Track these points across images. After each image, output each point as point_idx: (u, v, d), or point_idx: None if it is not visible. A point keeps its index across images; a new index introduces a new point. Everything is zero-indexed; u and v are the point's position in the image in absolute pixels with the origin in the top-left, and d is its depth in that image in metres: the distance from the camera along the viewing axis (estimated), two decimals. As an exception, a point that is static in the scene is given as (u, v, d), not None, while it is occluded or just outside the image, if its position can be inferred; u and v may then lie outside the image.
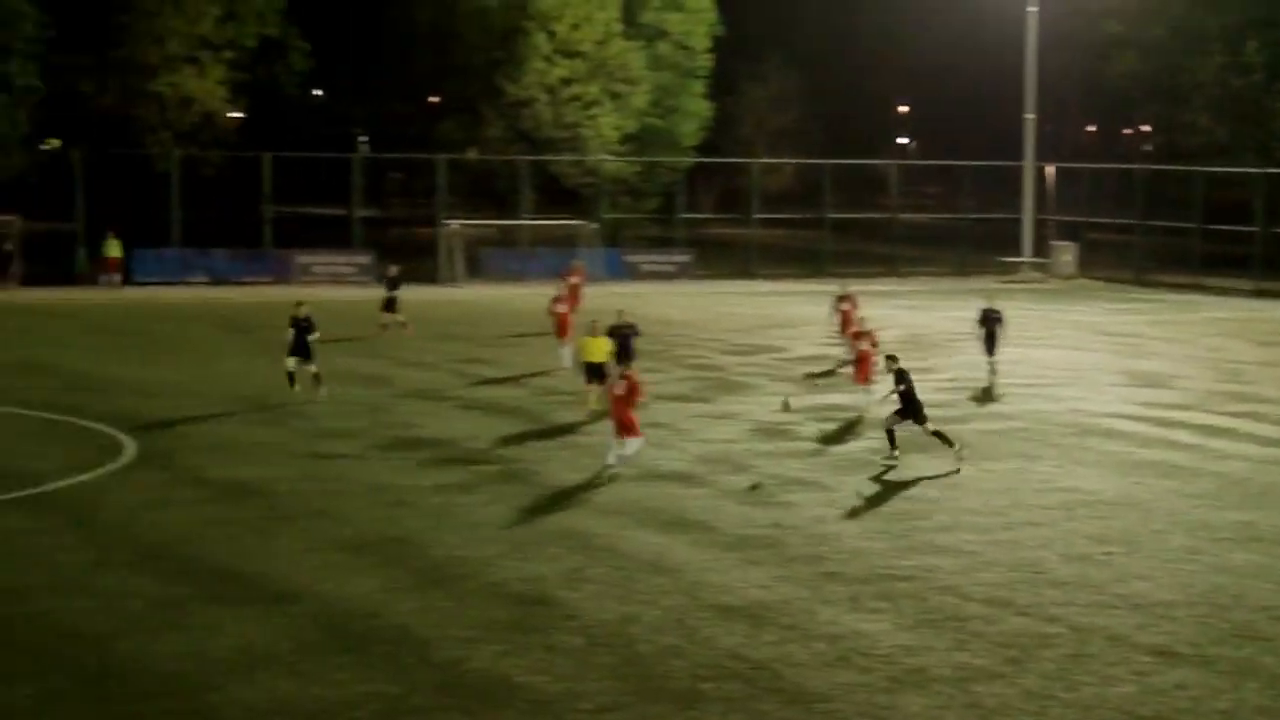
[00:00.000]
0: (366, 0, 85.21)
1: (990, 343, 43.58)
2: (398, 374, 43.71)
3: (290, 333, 38.79)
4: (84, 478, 29.44)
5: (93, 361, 45.12)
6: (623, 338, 38.29)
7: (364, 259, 75.06)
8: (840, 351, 45.62)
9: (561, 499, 28.63)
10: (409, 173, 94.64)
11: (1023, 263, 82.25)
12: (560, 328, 45.26)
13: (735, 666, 19.54)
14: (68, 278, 70.60)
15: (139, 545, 24.70)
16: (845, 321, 46.54)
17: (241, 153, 77.77)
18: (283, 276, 70.91)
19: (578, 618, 21.34)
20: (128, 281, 69.84)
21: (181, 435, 34.04)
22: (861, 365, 37.94)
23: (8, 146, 72.96)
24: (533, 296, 60.73)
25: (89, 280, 69.79)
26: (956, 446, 32.28)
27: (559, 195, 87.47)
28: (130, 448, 32.27)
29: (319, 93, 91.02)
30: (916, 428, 32.40)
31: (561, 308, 45.69)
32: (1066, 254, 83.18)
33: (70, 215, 73.48)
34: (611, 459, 31.17)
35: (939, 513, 28.16)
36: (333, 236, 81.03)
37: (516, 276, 73.12)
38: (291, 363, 38.58)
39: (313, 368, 38.64)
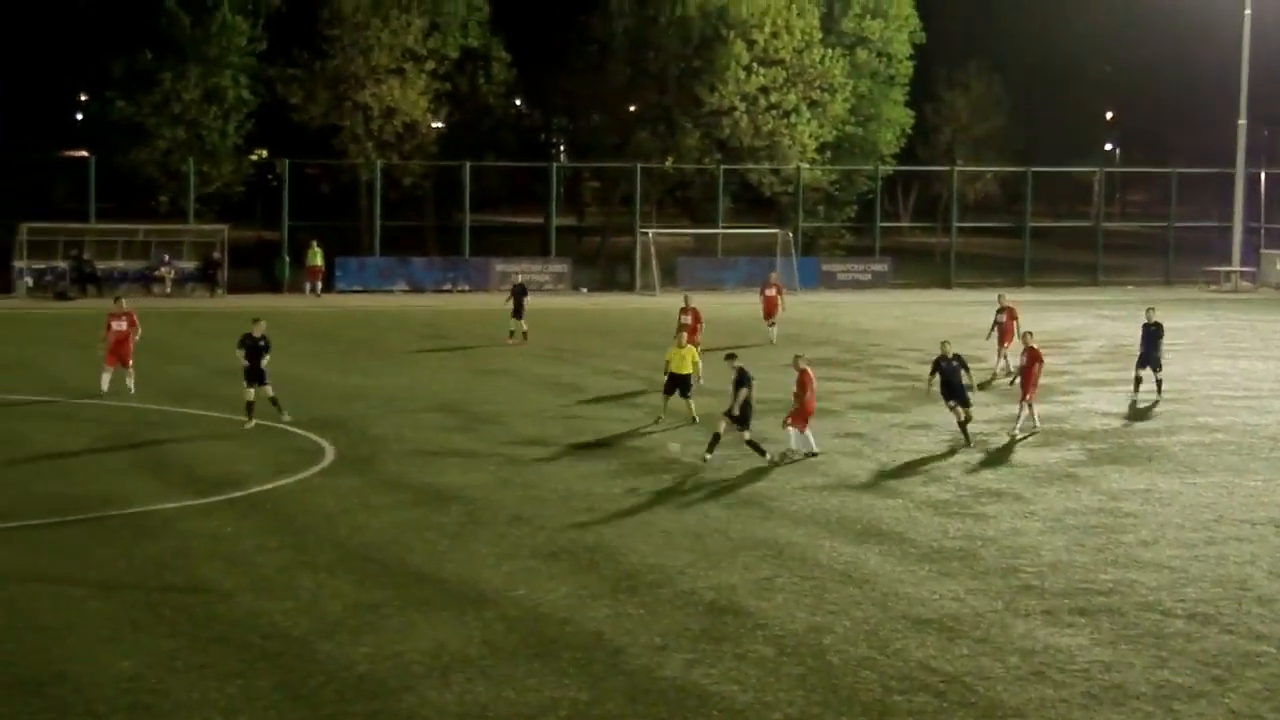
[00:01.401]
0: (566, 10, 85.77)
1: (1146, 359, 42.01)
2: (591, 381, 43.95)
3: (241, 354, 35.63)
4: (285, 481, 29.98)
5: (295, 367, 45.89)
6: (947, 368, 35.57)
7: (561, 267, 75.64)
8: (1002, 364, 45.19)
9: (753, 507, 28.57)
10: (605, 182, 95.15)
11: (1232, 272, 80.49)
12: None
13: (927, 679, 19.34)
14: (271, 285, 72.08)
15: (338, 548, 25.09)
16: (1005, 333, 45.81)
17: (442, 162, 78.74)
18: (481, 285, 71.68)
19: (768, 627, 21.28)
20: (329, 289, 71.10)
21: (380, 440, 34.52)
22: (1026, 377, 36.68)
23: (218, 157, 74.61)
24: (728, 305, 60.82)
25: (292, 288, 71.17)
26: (768, 457, 32.42)
27: (755, 204, 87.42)
28: (330, 452, 32.81)
29: (518, 102, 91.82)
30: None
31: (685, 318, 44.90)
32: (1278, 263, 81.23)
33: (275, 224, 74.98)
34: (794, 444, 32.68)
35: (1140, 527, 27.65)
36: (530, 244, 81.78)
37: (713, 285, 73.18)
38: (251, 393, 35.32)
39: (269, 390, 35.73)
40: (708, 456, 32.21)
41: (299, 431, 35.03)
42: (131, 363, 39.50)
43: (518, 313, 52.75)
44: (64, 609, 21.23)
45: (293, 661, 19.37)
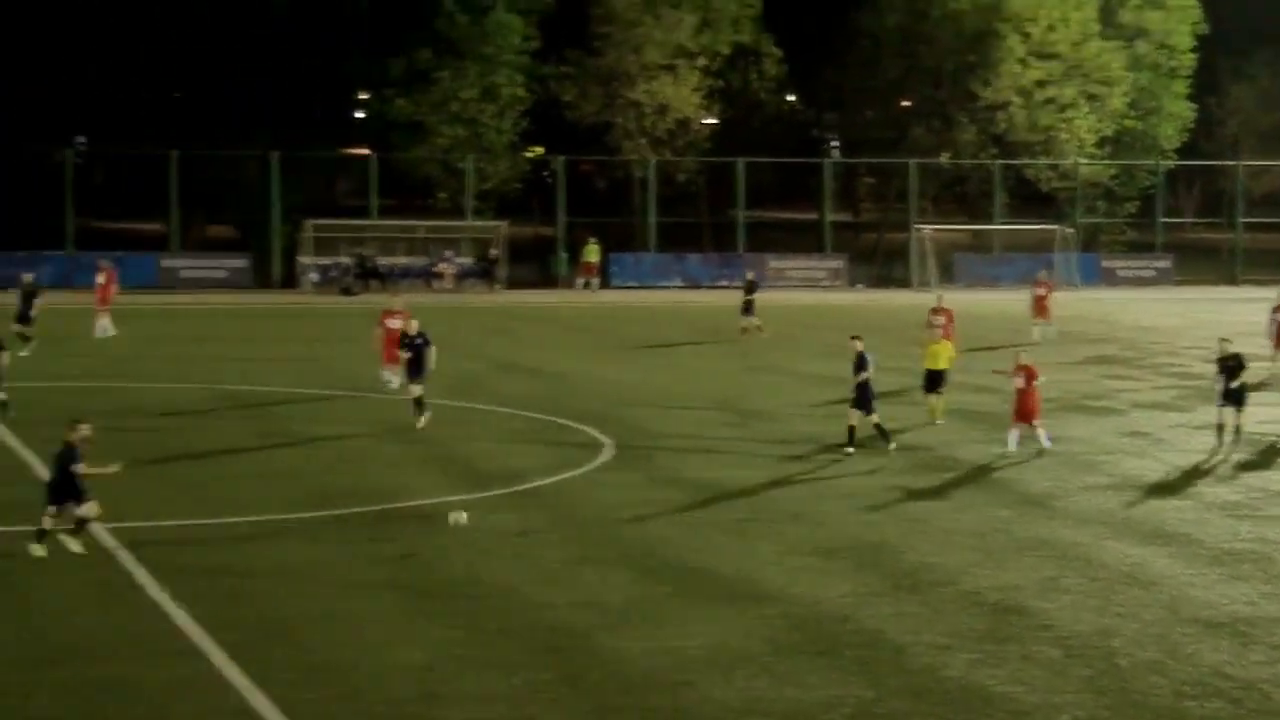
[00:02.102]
0: (836, 6, 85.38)
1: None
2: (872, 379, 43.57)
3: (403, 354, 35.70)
4: (565, 475, 30.27)
5: (572, 362, 46.45)
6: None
7: (836, 264, 75.32)
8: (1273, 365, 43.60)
9: (1035, 507, 28.09)
10: (880, 177, 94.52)
11: None
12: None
13: (1220, 685, 18.78)
14: (548, 281, 72.98)
15: (618, 542, 25.25)
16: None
17: (714, 158, 78.94)
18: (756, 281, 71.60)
19: (1054, 628, 20.86)
20: (605, 285, 71.74)
21: (657, 436, 34.69)
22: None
23: (495, 154, 75.77)
24: (1005, 302, 59.96)
25: (568, 284, 71.97)
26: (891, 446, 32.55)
27: (1032, 200, 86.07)
28: (609, 447, 33.05)
29: (790, 98, 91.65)
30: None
31: (938, 319, 43.49)
32: None
33: (551, 220, 75.90)
34: (1011, 446, 32.26)
35: None
36: (805, 241, 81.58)
37: (989, 282, 72.21)
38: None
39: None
40: (849, 450, 32.31)
41: (577, 426, 35.34)
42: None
43: (748, 309, 52.67)
44: (356, 599, 21.68)
45: (575, 654, 19.51)
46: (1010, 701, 18.06)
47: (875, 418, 32.68)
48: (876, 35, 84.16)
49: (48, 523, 23.28)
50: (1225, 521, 27.16)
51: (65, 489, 23.20)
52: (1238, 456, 32.97)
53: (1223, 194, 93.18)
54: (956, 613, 21.55)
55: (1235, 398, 33.96)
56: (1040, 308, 52.88)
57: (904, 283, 74.49)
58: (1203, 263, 79.66)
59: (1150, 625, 21.06)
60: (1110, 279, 75.72)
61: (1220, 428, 33.93)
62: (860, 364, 32.63)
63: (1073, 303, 61.17)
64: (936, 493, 29.21)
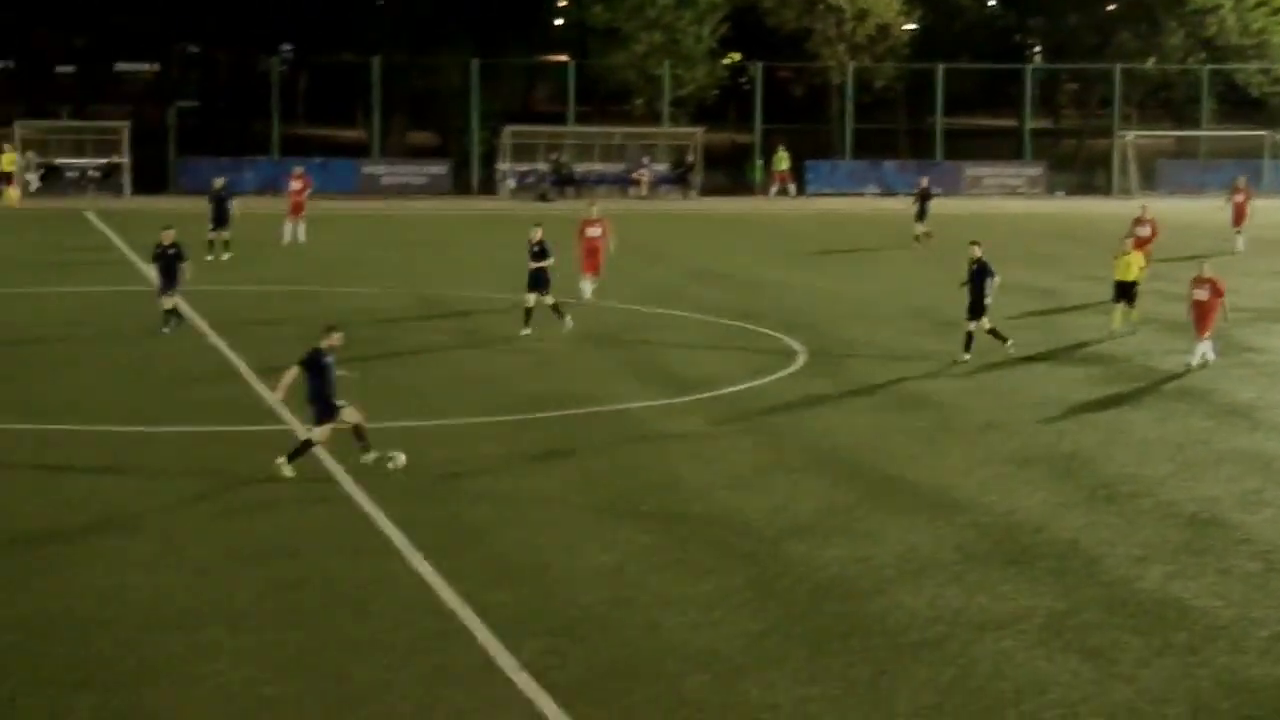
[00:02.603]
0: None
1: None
2: (1067, 287, 43.02)
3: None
4: (758, 382, 30.27)
5: (765, 270, 46.32)
6: None
7: (1035, 171, 74.18)
8: None
9: (1236, 418, 27.56)
10: (1083, 84, 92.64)
11: None
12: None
13: None
14: (743, 188, 72.77)
15: (810, 450, 25.23)
16: None
17: (914, 64, 77.96)
18: (953, 189, 70.81)
19: (1253, 542, 20.50)
20: (800, 193, 71.39)
21: (851, 343, 34.54)
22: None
23: (692, 61, 75.50)
24: (1209, 210, 58.62)
25: (763, 191, 71.73)
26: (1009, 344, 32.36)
27: (1241, 105, 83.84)
28: (802, 354, 32.97)
29: (992, 2, 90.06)
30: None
31: (1143, 230, 41.98)
32: None
33: (747, 128, 75.57)
34: (1196, 360, 31.26)
35: None
36: (1003, 148, 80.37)
37: (1194, 190, 70.61)
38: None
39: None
40: (965, 357, 32.17)
41: (770, 333, 35.30)
42: (600, 272, 39.74)
43: (921, 216, 52.04)
44: (549, 503, 21.93)
45: (765, 560, 19.58)
46: (1206, 615, 17.81)
47: (986, 323, 32.25)
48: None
49: (315, 434, 22.79)
50: None
51: (320, 397, 22.65)
52: None
53: None
54: (1152, 524, 21.27)
55: None
56: (1240, 214, 51.58)
57: (1104, 190, 73.11)
58: None
59: (1357, 540, 20.61)
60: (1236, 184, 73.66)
61: None
62: (982, 272, 32.00)
63: (1276, 211, 59.58)
64: (1133, 402, 28.78)
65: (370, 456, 22.75)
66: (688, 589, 18.46)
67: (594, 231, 39.04)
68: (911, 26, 79.50)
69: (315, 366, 22.66)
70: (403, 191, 69.21)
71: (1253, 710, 15.37)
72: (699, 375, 30.77)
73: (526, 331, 34.21)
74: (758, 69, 75.24)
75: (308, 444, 22.86)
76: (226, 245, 45.90)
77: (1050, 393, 29.52)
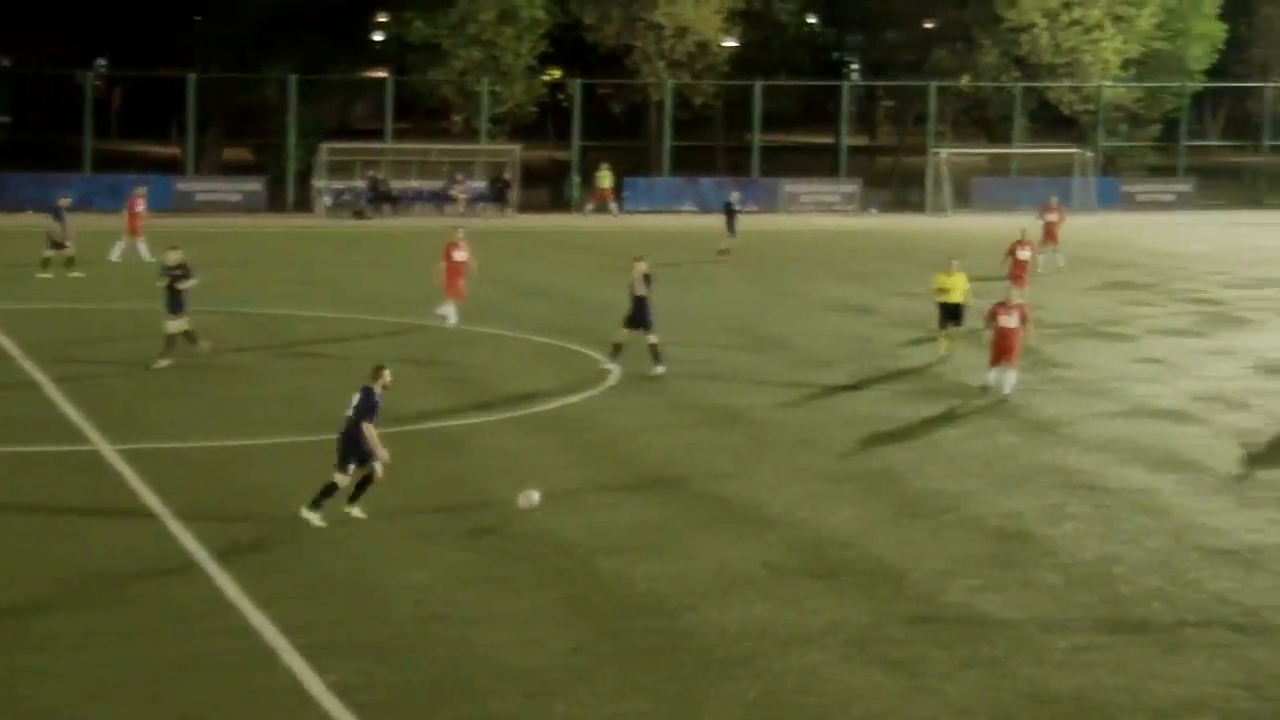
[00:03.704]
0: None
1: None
2: (881, 304, 43.52)
3: (162, 283, 32.98)
4: (575, 399, 30.29)
5: (582, 287, 46.31)
6: None
7: (851, 188, 75.03)
8: None
9: (1044, 433, 28.06)
10: (900, 101, 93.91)
11: None
12: (1016, 272, 40.80)
13: (1224, 611, 18.83)
14: (561, 205, 72.80)
15: (625, 466, 25.29)
16: None
17: (733, 81, 78.51)
18: (770, 205, 71.43)
19: (1056, 555, 20.90)
20: (619, 210, 71.56)
21: (669, 360, 34.58)
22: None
23: (511, 77, 75.38)
24: (1023, 227, 59.62)
25: (581, 208, 71.83)
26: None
27: (1053, 123, 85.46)
28: (618, 371, 33.01)
29: (812, 20, 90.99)
30: None
31: (1024, 253, 41.85)
32: None
33: (566, 144, 75.63)
34: (1007, 388, 30.41)
35: None
36: (821, 165, 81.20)
37: (1007, 206, 71.87)
38: (173, 325, 32.50)
39: (184, 324, 32.62)
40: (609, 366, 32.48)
41: (587, 351, 35.32)
42: (464, 296, 38.19)
43: (730, 230, 52.70)
44: (361, 522, 21.72)
45: (578, 578, 19.60)
46: (1009, 628, 18.11)
47: (654, 338, 32.41)
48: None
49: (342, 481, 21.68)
50: (1237, 449, 27.12)
51: (352, 444, 21.53)
52: (1261, 383, 32.87)
53: (1249, 117, 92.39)
54: (959, 539, 21.60)
55: None
56: (1050, 234, 52.23)
57: (919, 207, 74.15)
58: (1226, 186, 79.13)
59: (1154, 552, 21.10)
60: (1130, 203, 75.23)
61: None
62: (644, 283, 32.38)
63: (1091, 228, 60.90)
64: (945, 419, 29.19)
65: (356, 510, 21.90)
66: (500, 607, 18.42)
67: (460, 255, 38.50)
68: (731, 44, 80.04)
69: (371, 409, 21.76)
70: (218, 208, 68.27)
71: (1052, 719, 15.67)
72: (515, 392, 30.70)
73: (165, 363, 31.98)
74: (576, 86, 75.34)
75: (330, 488, 21.72)
76: (70, 263, 44.99)
77: (863, 410, 29.85)
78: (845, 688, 16.22)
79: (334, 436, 21.99)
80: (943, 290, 34.94)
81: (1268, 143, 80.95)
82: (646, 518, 22.27)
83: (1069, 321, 40.19)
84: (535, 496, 21.56)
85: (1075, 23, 79.92)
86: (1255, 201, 76.62)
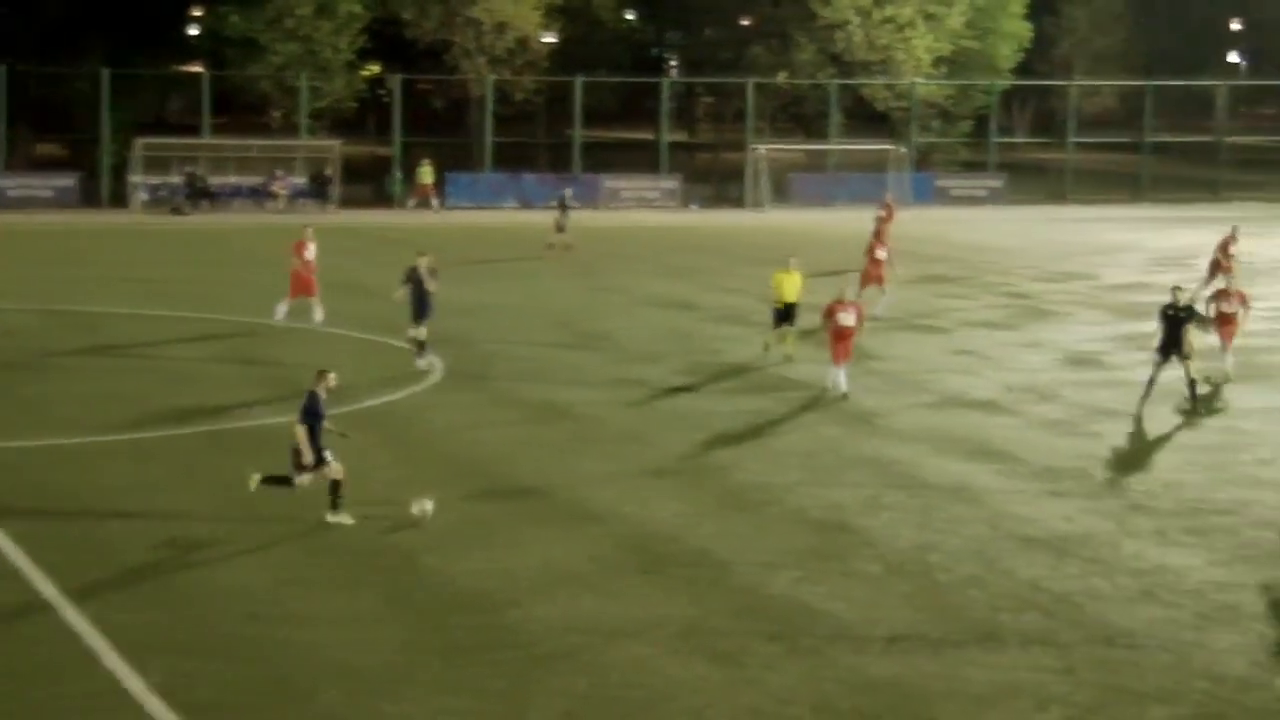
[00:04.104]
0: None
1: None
2: (703, 298, 43.83)
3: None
4: (396, 396, 30.17)
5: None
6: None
7: (671, 184, 75.43)
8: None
9: (864, 426, 28.46)
10: (719, 97, 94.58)
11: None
12: (866, 277, 40.67)
13: (1035, 598, 19.26)
14: (383, 201, 72.38)
15: (448, 463, 25.27)
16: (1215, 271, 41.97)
17: (553, 78, 78.54)
18: (591, 201, 71.57)
19: (875, 545, 21.25)
20: (441, 205, 71.31)
21: (492, 356, 34.64)
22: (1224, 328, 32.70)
23: (331, 72, 74.76)
24: (840, 222, 60.45)
25: (403, 204, 71.48)
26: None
27: (869, 119, 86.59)
28: (442, 368, 32.93)
29: (631, 16, 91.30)
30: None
31: (881, 253, 41.36)
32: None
33: (387, 140, 75.20)
34: (845, 387, 30.30)
35: (1259, 445, 27.44)
36: (642, 161, 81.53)
37: (824, 201, 72.74)
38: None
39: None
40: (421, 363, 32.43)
41: (410, 347, 35.14)
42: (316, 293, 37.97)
43: (560, 227, 52.81)
44: (179, 520, 21.52)
45: (401, 574, 19.58)
46: (830, 617, 18.40)
47: (423, 332, 32.52)
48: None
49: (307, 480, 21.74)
50: (1048, 439, 27.72)
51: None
52: (1069, 374, 33.60)
53: (1055, 114, 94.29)
54: (781, 531, 21.87)
55: (1177, 351, 29.87)
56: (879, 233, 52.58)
57: (739, 203, 74.72)
58: (1034, 182, 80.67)
59: (969, 541, 21.51)
60: (943, 198, 76.41)
61: (1151, 382, 30.04)
62: (413, 276, 32.63)
63: (906, 222, 61.75)
64: (767, 413, 29.46)
65: (338, 517, 21.54)
66: (322, 606, 18.34)
67: (310, 253, 37.99)
68: (551, 39, 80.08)
69: (314, 413, 21.68)
70: (30, 205, 66.94)
71: (872, 707, 15.95)
72: (337, 389, 30.38)
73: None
74: (397, 81, 74.93)
75: (286, 480, 21.75)
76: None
77: (686, 404, 30.08)
78: (670, 679, 16.38)
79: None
80: (780, 288, 34.39)
81: (1071, 140, 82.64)
82: (470, 514, 22.27)
83: (885, 315, 40.75)
84: (429, 505, 21.43)
85: (888, 20, 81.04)
86: (1060, 197, 78.22)
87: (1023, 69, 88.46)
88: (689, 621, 18.11)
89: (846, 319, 30.45)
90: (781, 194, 74.27)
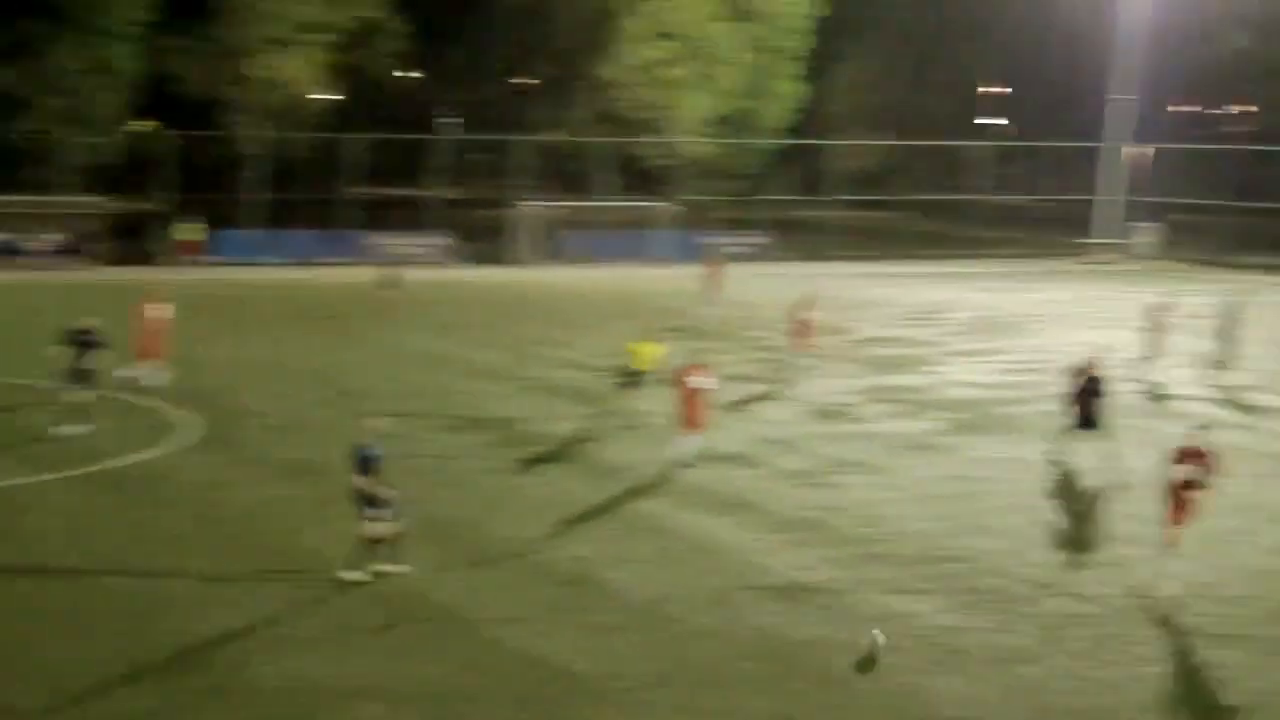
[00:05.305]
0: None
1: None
2: (464, 355, 43.91)
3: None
4: (147, 455, 29.80)
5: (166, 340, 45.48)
6: None
7: (440, 240, 75.58)
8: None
9: (616, 481, 28.74)
10: (495, 154, 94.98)
11: (1097, 244, 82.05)
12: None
13: (771, 647, 19.69)
14: (148, 258, 71.43)
15: (194, 523, 25.04)
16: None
17: (324, 134, 78.29)
18: (360, 258, 71.35)
19: (617, 597, 21.54)
20: (209, 262, 70.54)
21: (247, 414, 34.34)
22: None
23: (104, 128, 73.75)
24: (607, 279, 60.93)
25: (170, 260, 70.59)
26: None
27: (642, 177, 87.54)
28: (197, 426, 32.58)
29: (411, 75, 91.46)
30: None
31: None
32: (1147, 236, 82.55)
33: (155, 196, 74.34)
34: (692, 454, 29.87)
35: (993, 494, 28.28)
36: (411, 217, 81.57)
37: (593, 258, 73.39)
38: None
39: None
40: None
41: (165, 405, 34.75)
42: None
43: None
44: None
45: (140, 637, 19.39)
46: (570, 672, 18.61)
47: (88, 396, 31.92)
48: (503, 12, 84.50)
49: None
50: (793, 490, 28.28)
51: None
52: (819, 428, 34.25)
53: (820, 172, 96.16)
54: (526, 585, 22.06)
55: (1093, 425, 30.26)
56: (714, 285, 52.74)
57: (505, 260, 75.00)
58: (799, 239, 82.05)
59: (711, 592, 21.91)
60: (710, 255, 77.45)
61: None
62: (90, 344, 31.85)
63: (673, 279, 62.58)
64: (519, 467, 29.63)
65: (353, 574, 21.72)
66: (55, 670, 18.09)
67: (155, 313, 37.30)
68: (327, 97, 79.83)
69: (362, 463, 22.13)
70: None
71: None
72: (83, 450, 29.88)
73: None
74: (167, 137, 74.07)
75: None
76: None
77: (441, 461, 30.06)
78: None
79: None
80: (636, 355, 34.55)
81: (832, 197, 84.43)
82: (209, 572, 22.13)
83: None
84: (880, 637, 19.59)
85: (660, 81, 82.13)
86: (820, 254, 79.67)
87: (795, 129, 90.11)
88: (429, 680, 18.21)
89: (700, 383, 29.91)
90: (550, 250, 74.74)
